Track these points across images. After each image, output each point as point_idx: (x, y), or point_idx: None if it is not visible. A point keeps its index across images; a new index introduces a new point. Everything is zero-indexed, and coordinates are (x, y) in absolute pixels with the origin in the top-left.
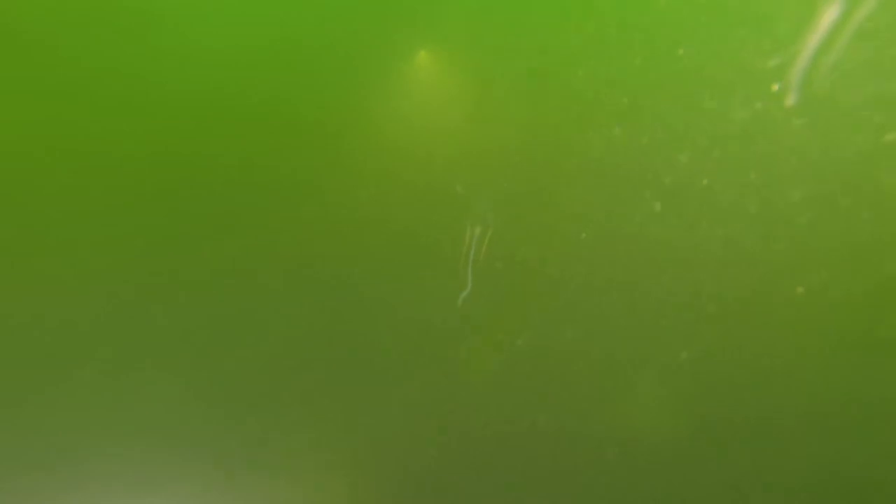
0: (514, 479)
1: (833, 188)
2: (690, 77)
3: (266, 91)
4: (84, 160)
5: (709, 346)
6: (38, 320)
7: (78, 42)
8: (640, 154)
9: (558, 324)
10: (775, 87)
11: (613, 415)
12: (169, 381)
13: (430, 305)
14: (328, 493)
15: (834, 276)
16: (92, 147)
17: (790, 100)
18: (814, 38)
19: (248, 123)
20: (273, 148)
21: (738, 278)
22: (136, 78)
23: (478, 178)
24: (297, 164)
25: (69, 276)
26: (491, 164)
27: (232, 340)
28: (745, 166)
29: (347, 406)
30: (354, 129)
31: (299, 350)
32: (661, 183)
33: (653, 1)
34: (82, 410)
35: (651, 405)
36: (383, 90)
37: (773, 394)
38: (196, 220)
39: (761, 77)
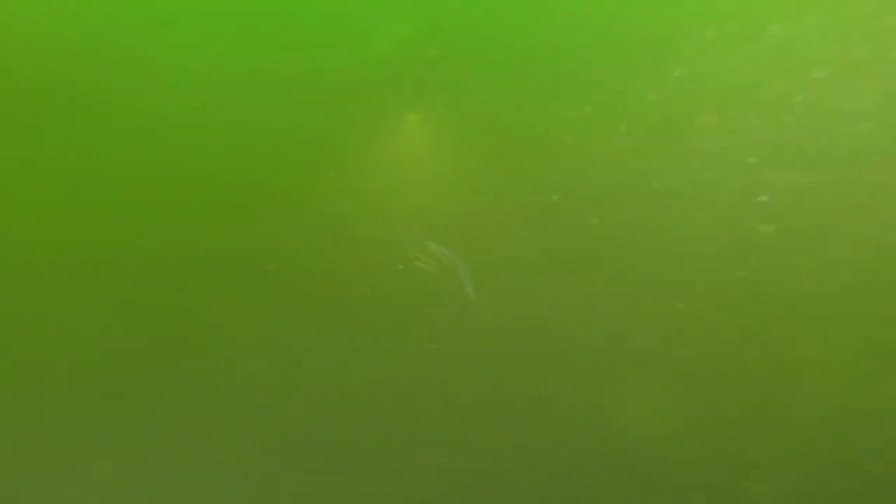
0: None
1: None
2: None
3: (242, 166)
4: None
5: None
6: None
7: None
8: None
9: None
10: None
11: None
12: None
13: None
14: None
15: None
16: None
17: None
18: None
19: (225, 198)
20: (251, 223)
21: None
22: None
23: (463, 241)
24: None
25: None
26: (475, 231)
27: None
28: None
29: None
30: (339, 203)
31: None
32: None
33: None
34: None
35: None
36: (364, 161)
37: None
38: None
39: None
